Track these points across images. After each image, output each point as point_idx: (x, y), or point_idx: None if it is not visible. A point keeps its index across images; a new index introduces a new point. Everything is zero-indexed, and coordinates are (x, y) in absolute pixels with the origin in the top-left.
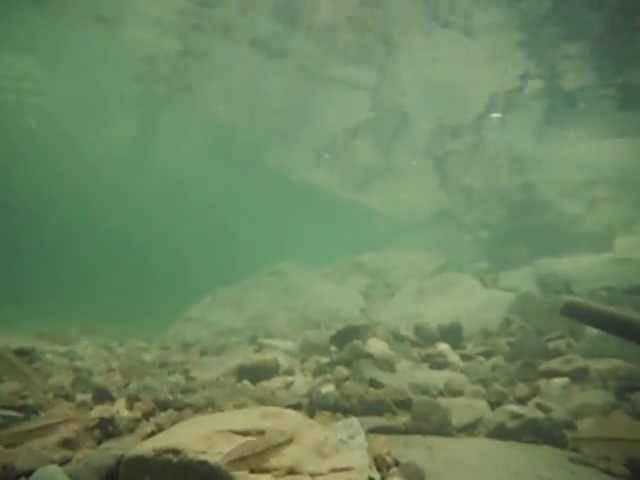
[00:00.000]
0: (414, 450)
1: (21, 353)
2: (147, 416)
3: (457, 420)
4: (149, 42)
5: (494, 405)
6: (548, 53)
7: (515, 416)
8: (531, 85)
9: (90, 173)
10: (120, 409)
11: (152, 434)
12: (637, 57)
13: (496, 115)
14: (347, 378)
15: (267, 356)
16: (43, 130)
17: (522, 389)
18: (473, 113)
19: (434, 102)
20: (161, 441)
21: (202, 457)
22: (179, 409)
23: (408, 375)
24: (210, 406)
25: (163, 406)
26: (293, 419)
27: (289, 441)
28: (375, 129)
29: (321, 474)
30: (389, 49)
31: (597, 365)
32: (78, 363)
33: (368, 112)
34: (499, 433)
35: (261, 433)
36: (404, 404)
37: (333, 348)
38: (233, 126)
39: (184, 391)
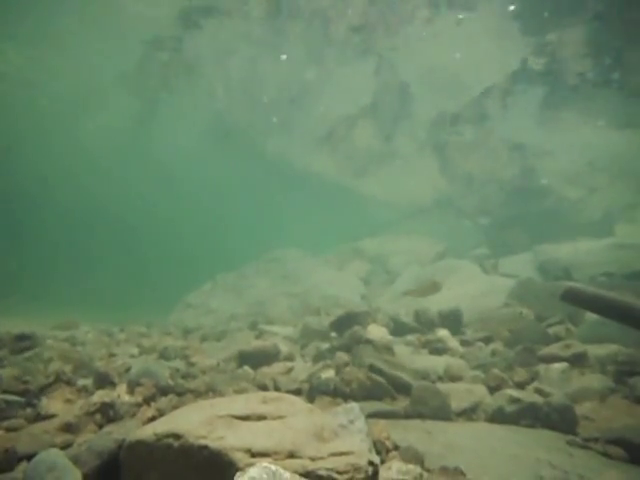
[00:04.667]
0: (413, 434)
1: (22, 338)
2: (148, 401)
3: (456, 405)
4: (151, 18)
5: (493, 390)
6: (548, 33)
7: (514, 400)
8: (531, 68)
9: (90, 158)
10: (121, 394)
11: (153, 419)
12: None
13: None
14: (347, 364)
15: (267, 342)
16: (43, 116)
17: (521, 374)
18: (474, 98)
19: (435, 86)
20: (162, 426)
21: (203, 442)
22: (180, 394)
23: (408, 360)
24: (211, 391)
25: (164, 391)
26: (293, 404)
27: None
28: (376, 113)
29: (321, 458)
30: (390, 30)
31: (596, 350)
32: (79, 348)
33: (369, 96)
34: (498, 417)
35: (262, 418)
36: (404, 389)
37: (333, 334)
38: (232, 111)
39: (185, 376)
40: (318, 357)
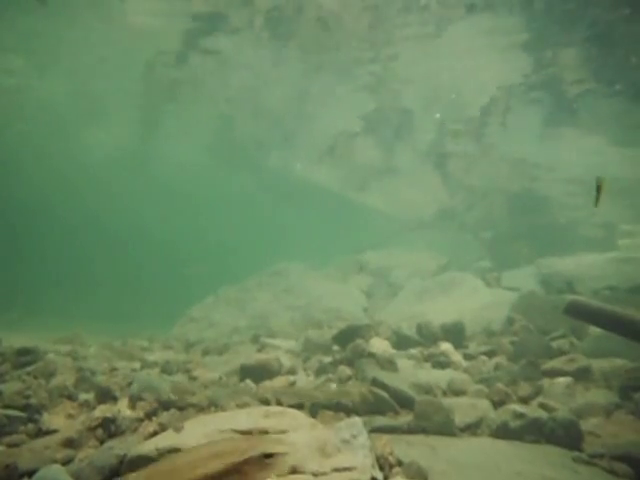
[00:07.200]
0: (417, 449)
1: (24, 352)
2: (150, 416)
3: (460, 420)
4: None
5: (497, 404)
6: (549, 49)
7: (518, 416)
8: (532, 83)
9: (91, 172)
10: (123, 409)
11: (155, 434)
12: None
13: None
14: (350, 377)
15: (269, 355)
16: (42, 128)
17: (525, 388)
18: (475, 113)
19: (436, 101)
20: (164, 441)
21: None
22: (182, 409)
23: (411, 374)
24: (213, 406)
25: (166, 406)
26: (296, 418)
27: None
28: (377, 128)
29: (324, 473)
30: (390, 45)
31: (600, 364)
32: (81, 362)
33: (370, 111)
34: (502, 433)
35: (264, 432)
36: (407, 403)
37: (335, 347)
38: (234, 125)
39: (186, 391)
40: (320, 371)
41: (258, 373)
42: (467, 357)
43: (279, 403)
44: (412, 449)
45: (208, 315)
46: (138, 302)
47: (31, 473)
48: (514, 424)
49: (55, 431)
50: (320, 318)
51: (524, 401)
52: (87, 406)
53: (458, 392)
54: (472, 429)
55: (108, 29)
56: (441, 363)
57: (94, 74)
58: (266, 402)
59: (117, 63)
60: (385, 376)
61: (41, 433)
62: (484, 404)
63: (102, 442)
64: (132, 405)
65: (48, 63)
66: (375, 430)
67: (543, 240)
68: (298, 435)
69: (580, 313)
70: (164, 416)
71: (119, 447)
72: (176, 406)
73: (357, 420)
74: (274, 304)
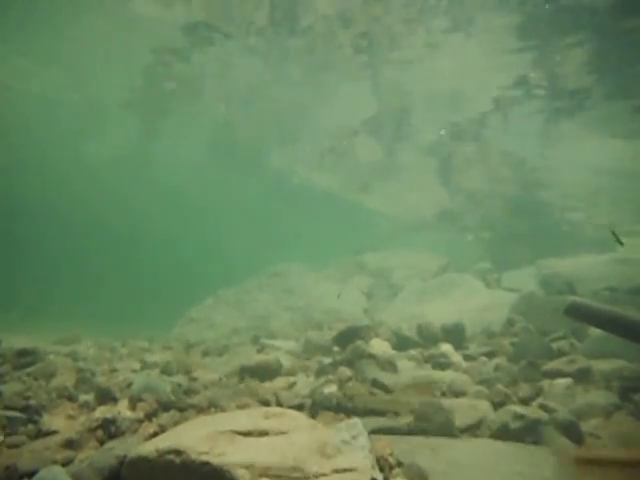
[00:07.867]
0: (417, 451)
1: (24, 354)
2: (150, 417)
3: (460, 421)
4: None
5: (497, 406)
6: (549, 49)
7: (518, 417)
8: (532, 84)
9: (91, 173)
10: (123, 410)
11: (155, 435)
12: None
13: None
14: (350, 378)
15: (269, 356)
16: (44, 130)
17: (525, 390)
18: (476, 114)
19: (436, 103)
20: (164, 442)
21: (204, 458)
22: (182, 410)
23: (411, 375)
24: (213, 407)
25: (166, 407)
26: (296, 419)
27: None
28: (378, 129)
29: (324, 475)
30: (391, 49)
31: (601, 365)
32: (81, 363)
33: (371, 112)
34: (502, 434)
35: (264, 433)
36: (407, 404)
37: (335, 348)
38: (235, 126)
39: (187, 392)
40: (320, 372)
41: (258, 374)
42: (467, 358)
43: (279, 404)
44: (412, 450)
45: (208, 316)
46: (138, 303)
47: (31, 474)
48: (514, 425)
49: (55, 432)
50: (320, 319)
51: (524, 402)
52: (87, 407)
53: (458, 393)
54: (472, 430)
55: (111, 24)
56: (441, 364)
57: (96, 75)
58: (266, 403)
59: (120, 65)
60: (385, 377)
61: (41, 434)
62: (484, 405)
63: (102, 443)
64: (132, 406)
65: (51, 64)
66: (375, 431)
67: (543, 241)
68: (298, 436)
69: (580, 314)
70: (164, 417)
71: (119, 448)
72: (176, 407)
73: (357, 421)
74: (274, 305)
